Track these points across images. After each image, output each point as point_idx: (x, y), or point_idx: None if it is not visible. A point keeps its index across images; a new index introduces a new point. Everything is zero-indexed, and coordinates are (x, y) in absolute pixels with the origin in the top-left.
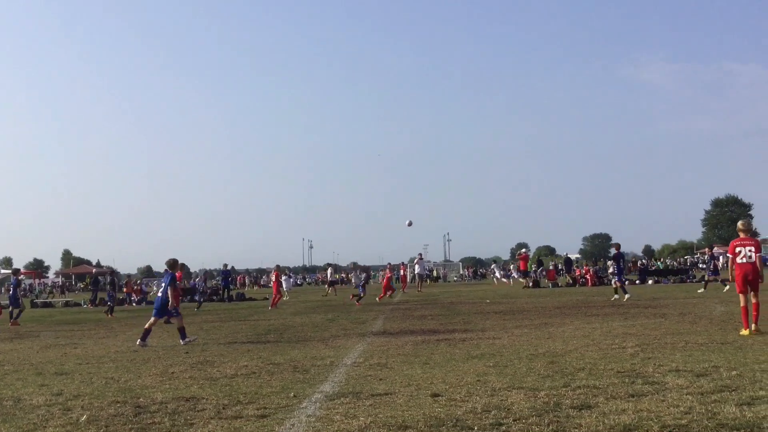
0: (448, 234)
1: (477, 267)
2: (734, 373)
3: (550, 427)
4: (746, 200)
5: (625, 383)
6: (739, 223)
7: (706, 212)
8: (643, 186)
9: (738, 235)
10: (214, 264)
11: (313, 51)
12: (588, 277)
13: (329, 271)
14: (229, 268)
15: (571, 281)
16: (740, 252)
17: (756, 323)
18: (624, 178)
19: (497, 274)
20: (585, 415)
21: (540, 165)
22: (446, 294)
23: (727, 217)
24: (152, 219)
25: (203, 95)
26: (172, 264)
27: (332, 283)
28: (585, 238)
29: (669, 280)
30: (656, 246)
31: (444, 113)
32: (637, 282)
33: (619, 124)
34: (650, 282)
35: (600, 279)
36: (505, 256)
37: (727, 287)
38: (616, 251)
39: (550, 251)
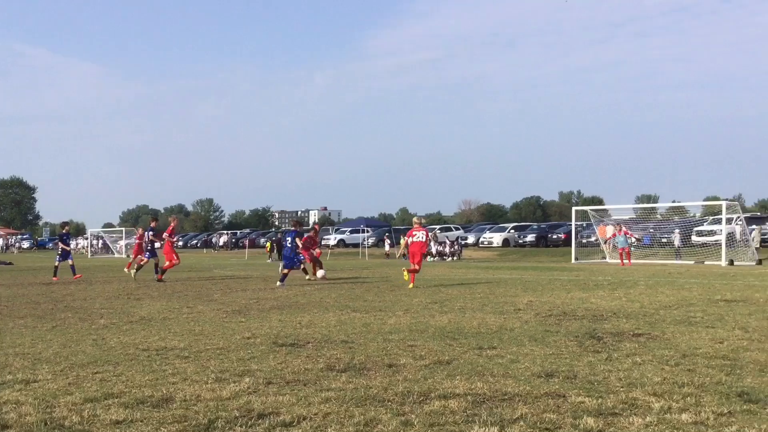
0: None
1: None
2: None
3: None
4: (31, 183)
5: None
6: (414, 219)
7: None
8: None
9: (413, 225)
10: None
11: None
12: None
13: None
14: None
15: None
16: (416, 234)
17: (412, 282)
18: None
19: None
20: None
21: None
22: None
23: (11, 198)
24: None
25: None
26: None
27: None
28: None
29: None
30: None
31: None
32: None
33: None
34: None
35: None
36: None
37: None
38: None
39: None
